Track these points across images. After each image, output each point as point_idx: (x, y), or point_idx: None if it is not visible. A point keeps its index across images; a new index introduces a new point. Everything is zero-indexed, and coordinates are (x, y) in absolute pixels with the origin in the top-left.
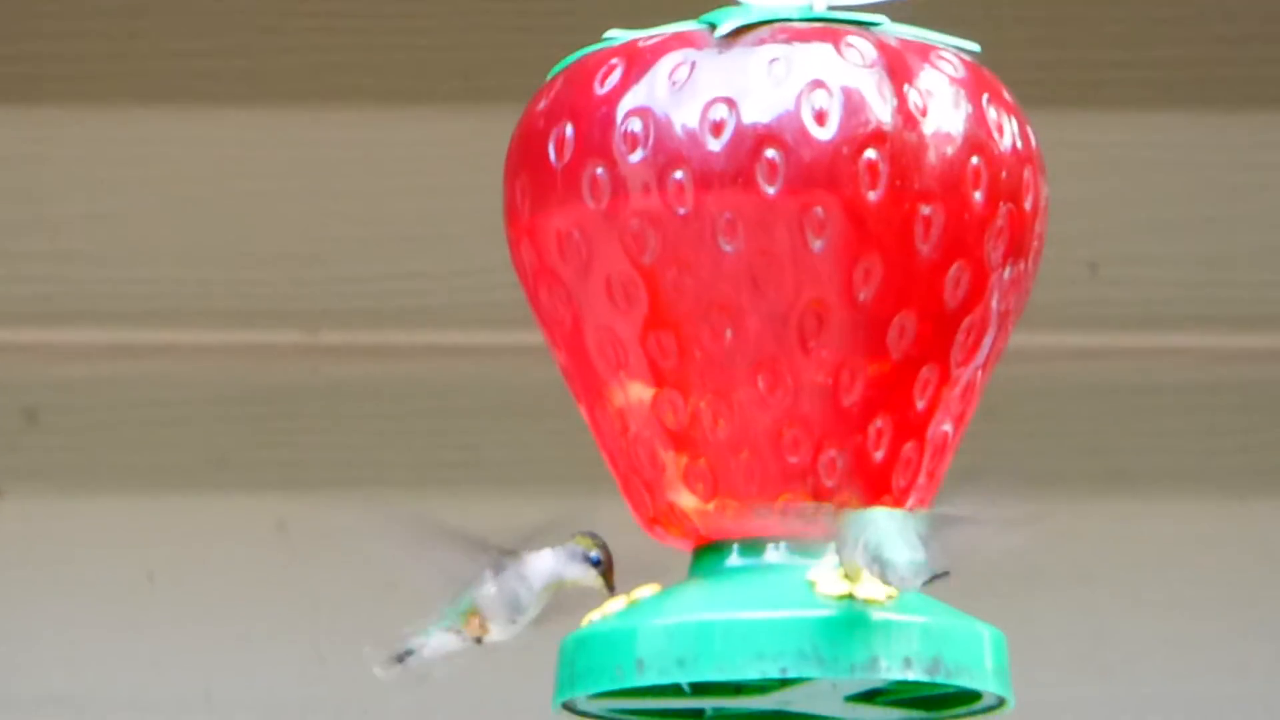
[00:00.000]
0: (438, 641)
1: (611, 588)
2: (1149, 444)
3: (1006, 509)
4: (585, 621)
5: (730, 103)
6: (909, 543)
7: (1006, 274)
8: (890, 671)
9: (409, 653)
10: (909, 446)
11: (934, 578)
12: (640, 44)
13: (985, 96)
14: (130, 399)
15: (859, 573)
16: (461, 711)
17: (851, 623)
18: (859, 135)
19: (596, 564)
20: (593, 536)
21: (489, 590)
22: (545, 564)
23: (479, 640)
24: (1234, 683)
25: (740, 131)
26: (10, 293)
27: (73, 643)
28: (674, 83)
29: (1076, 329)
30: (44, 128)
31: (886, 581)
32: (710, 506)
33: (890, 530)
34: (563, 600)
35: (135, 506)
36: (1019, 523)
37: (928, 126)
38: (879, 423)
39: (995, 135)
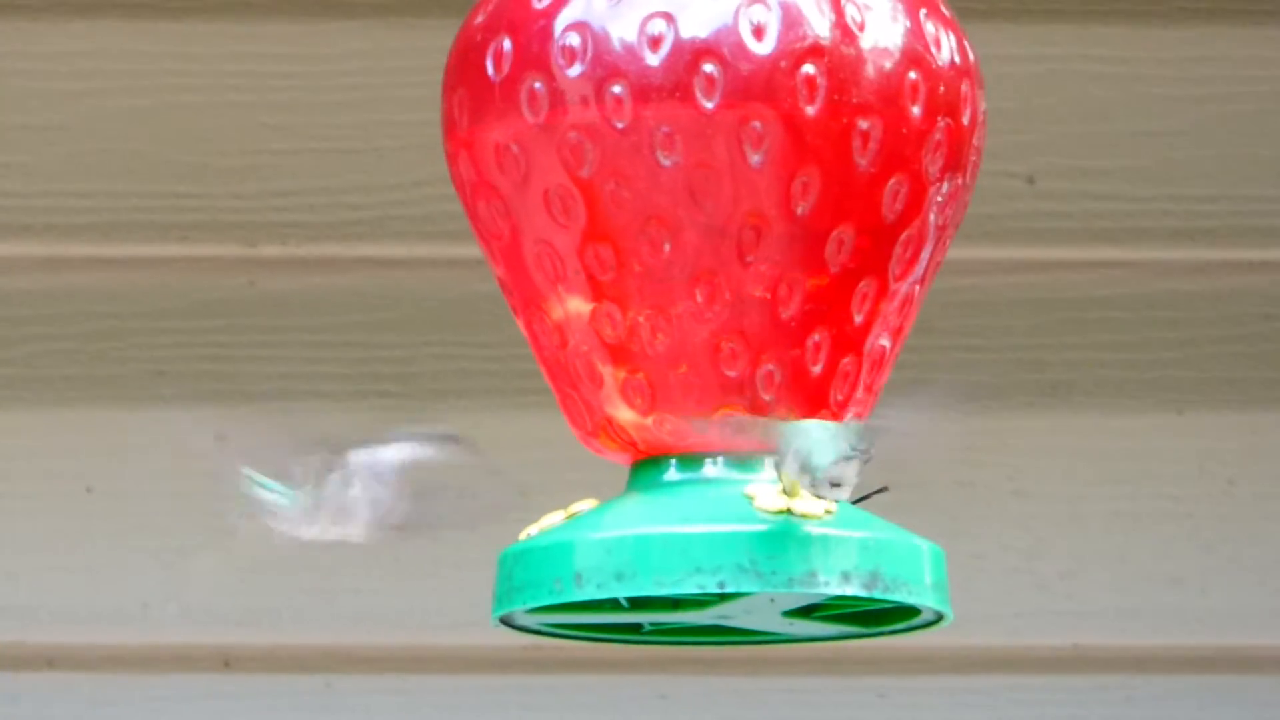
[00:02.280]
0: (273, 499)
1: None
2: (1086, 357)
3: (939, 419)
4: (523, 535)
5: (668, 17)
6: (842, 454)
7: (944, 188)
8: (828, 586)
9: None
10: (847, 360)
11: (872, 493)
12: None
13: (923, 11)
14: (68, 312)
15: (796, 487)
16: (394, 624)
17: (789, 537)
18: (797, 49)
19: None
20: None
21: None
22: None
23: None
24: (1171, 595)
25: (678, 45)
26: None
27: (11, 555)
28: None
29: (1013, 242)
30: None
31: (819, 494)
32: (648, 420)
33: (823, 442)
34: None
35: (73, 419)
36: (950, 433)
37: (865, 40)
38: (817, 336)
39: (933, 49)
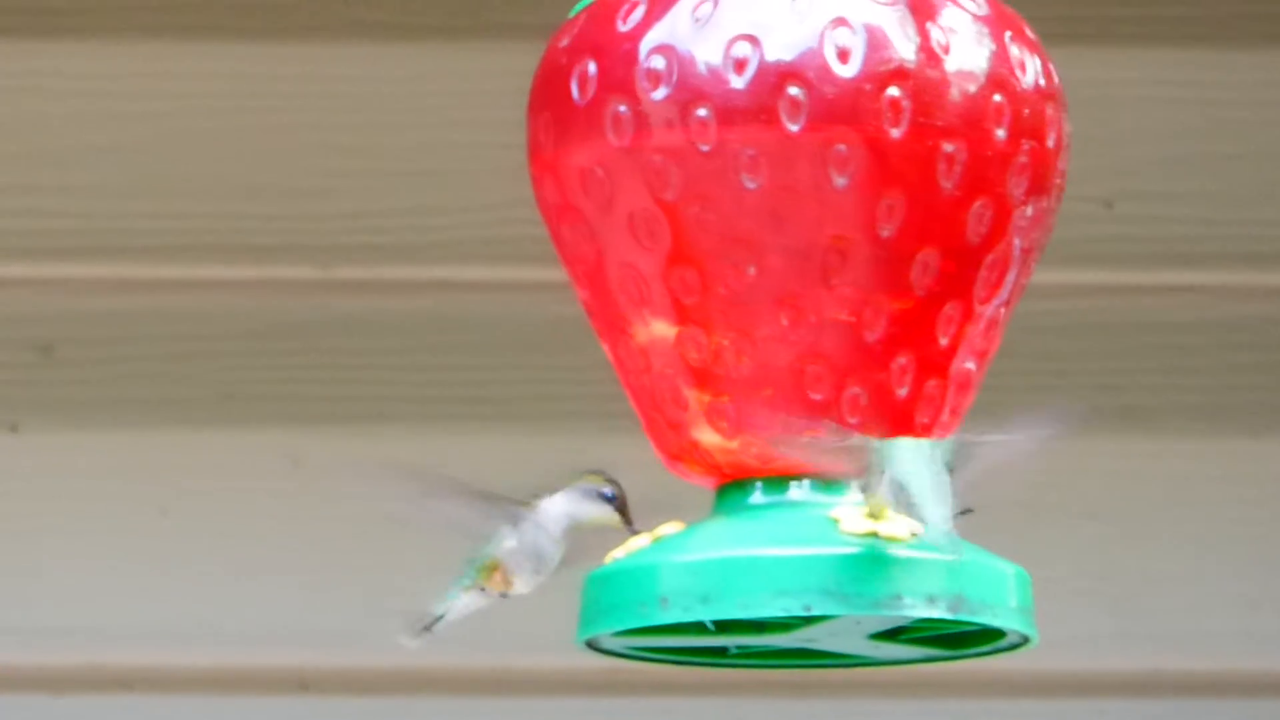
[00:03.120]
0: (463, 602)
1: (629, 521)
2: (1162, 381)
3: (1027, 440)
4: (609, 558)
5: (753, 40)
6: (935, 477)
7: (1029, 211)
8: (914, 609)
9: (437, 619)
10: (932, 383)
11: (959, 514)
12: None
13: (1008, 34)
14: (143, 334)
15: (883, 509)
16: (476, 646)
17: (875, 560)
18: (882, 72)
19: (611, 499)
20: (601, 473)
21: (510, 544)
22: (560, 508)
23: (504, 595)
24: (1245, 619)
25: (763, 68)
26: (23, 227)
27: (86, 577)
28: (697, 19)
29: (1090, 266)
30: (49, 59)
31: (911, 517)
32: (733, 444)
33: (917, 464)
34: (579, 540)
35: (148, 441)
36: (1037, 452)
37: (950, 64)
38: (902, 359)
39: (1018, 72)
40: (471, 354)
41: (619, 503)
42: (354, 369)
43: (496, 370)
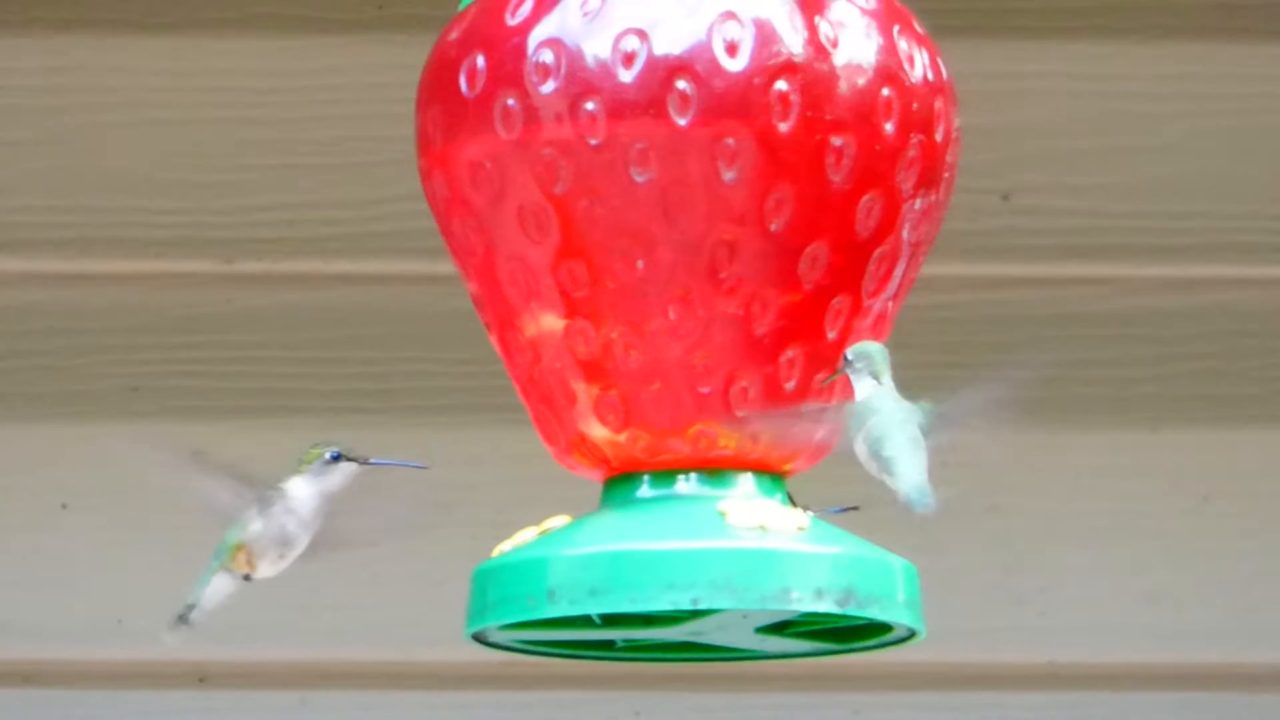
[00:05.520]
0: (213, 587)
1: (365, 459)
2: (1060, 374)
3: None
4: (496, 552)
5: (642, 34)
6: (911, 436)
7: (918, 204)
8: (802, 603)
9: (191, 607)
10: (820, 376)
11: (844, 509)
12: None
13: (896, 28)
14: (45, 328)
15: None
16: (372, 640)
17: (762, 553)
18: (770, 66)
19: (337, 458)
20: (316, 445)
21: (255, 526)
22: (304, 489)
23: (247, 577)
24: (1145, 612)
25: (652, 62)
26: None
27: None
28: (586, 13)
29: (988, 259)
30: None
31: (887, 475)
32: (621, 437)
33: (892, 424)
34: (350, 508)
35: (50, 434)
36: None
37: (839, 57)
38: (790, 353)
39: (906, 66)
40: (373, 347)
41: (346, 452)
42: (257, 362)
43: (397, 363)
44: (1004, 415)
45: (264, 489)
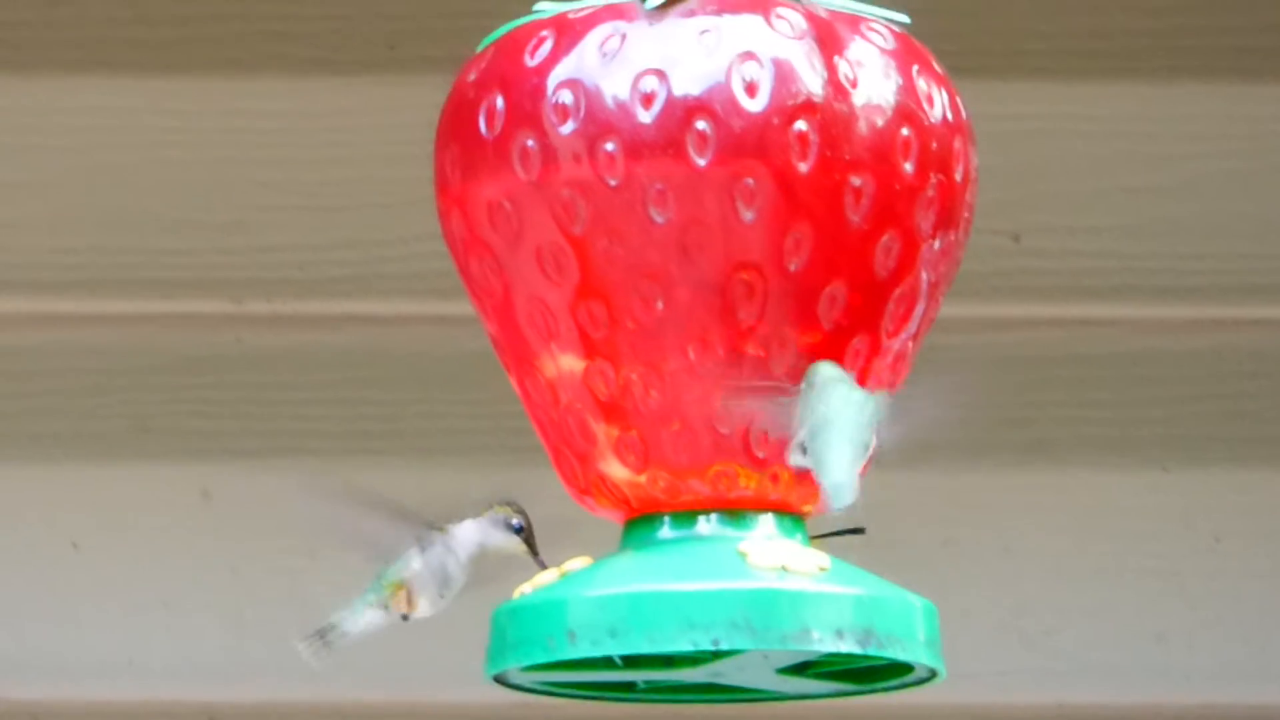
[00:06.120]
0: (365, 618)
1: (535, 553)
2: (1071, 415)
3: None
4: (517, 593)
5: (660, 74)
6: (856, 431)
7: (937, 244)
8: (822, 643)
9: (332, 628)
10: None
11: (847, 530)
12: (570, 16)
13: (915, 68)
14: (54, 368)
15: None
16: (389, 680)
17: (783, 594)
18: (789, 106)
19: (519, 530)
20: (511, 504)
21: (416, 565)
22: (470, 534)
23: (405, 616)
24: (1156, 652)
25: (671, 102)
26: None
27: None
28: (604, 54)
29: (999, 299)
30: None
31: (814, 464)
32: (641, 478)
33: (842, 414)
34: (483, 569)
35: (59, 475)
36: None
37: (858, 97)
38: None
39: (925, 106)
40: (383, 388)
41: (526, 534)
42: (266, 403)
43: (407, 404)
44: (949, 419)
45: (424, 527)
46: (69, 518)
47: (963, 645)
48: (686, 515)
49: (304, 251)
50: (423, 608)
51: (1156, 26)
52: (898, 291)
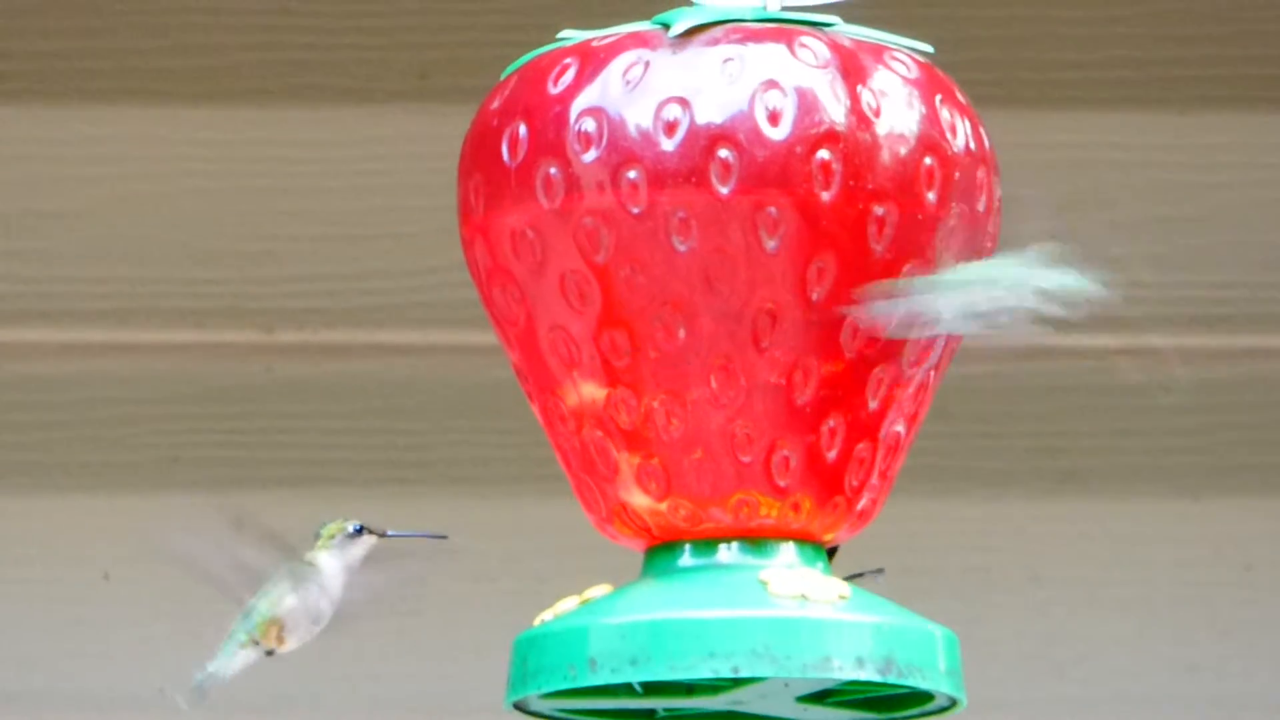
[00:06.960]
0: (238, 660)
1: (382, 532)
2: (1102, 444)
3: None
4: (538, 620)
5: (684, 102)
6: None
7: None
8: (843, 671)
9: (211, 676)
10: (862, 446)
11: (868, 573)
12: (594, 44)
13: (938, 97)
14: (84, 398)
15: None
16: (412, 708)
17: (803, 622)
18: (812, 135)
19: (360, 531)
20: (336, 522)
21: (291, 601)
22: (333, 566)
23: (270, 652)
24: (1187, 682)
25: (694, 131)
26: None
27: (28, 642)
28: (628, 82)
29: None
30: None
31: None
32: (663, 506)
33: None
34: (384, 597)
35: (92, 504)
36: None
37: (881, 127)
38: (832, 422)
39: (948, 136)
40: (413, 417)
41: (365, 527)
42: (297, 432)
43: (437, 433)
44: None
45: (290, 563)
46: (100, 547)
47: (992, 674)
48: (707, 543)
49: (334, 281)
50: (291, 643)
51: (1188, 56)
52: None
